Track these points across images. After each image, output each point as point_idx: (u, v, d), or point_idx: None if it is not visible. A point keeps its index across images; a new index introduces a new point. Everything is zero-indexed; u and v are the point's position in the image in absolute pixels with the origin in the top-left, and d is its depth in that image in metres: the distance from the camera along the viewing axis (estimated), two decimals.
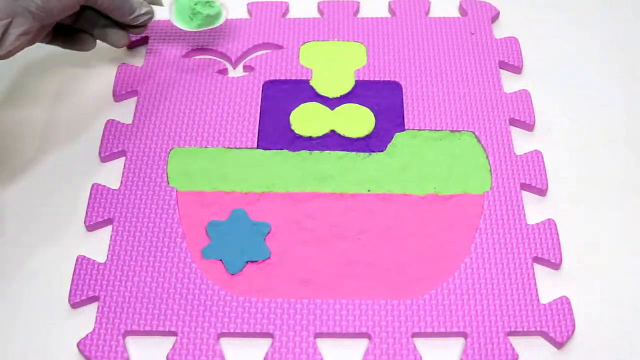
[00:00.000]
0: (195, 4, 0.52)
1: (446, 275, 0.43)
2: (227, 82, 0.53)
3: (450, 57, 0.54)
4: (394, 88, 0.52)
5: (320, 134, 0.50)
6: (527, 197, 0.47)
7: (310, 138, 0.49)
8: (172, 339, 0.41)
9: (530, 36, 0.55)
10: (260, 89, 0.52)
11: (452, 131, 0.50)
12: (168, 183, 0.47)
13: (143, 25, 0.50)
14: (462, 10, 0.57)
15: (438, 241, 0.45)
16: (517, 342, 0.41)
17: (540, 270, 0.44)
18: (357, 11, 0.57)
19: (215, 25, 0.53)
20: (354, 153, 0.49)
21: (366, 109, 0.51)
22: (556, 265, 0.44)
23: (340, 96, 0.52)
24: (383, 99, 0.51)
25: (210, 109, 0.51)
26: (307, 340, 0.41)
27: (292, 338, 0.41)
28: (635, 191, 0.47)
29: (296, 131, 0.50)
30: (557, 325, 0.41)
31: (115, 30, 0.50)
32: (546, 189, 0.47)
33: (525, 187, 0.47)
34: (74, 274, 0.43)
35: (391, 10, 0.57)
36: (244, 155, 0.49)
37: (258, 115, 0.51)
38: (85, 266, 0.44)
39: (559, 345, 0.41)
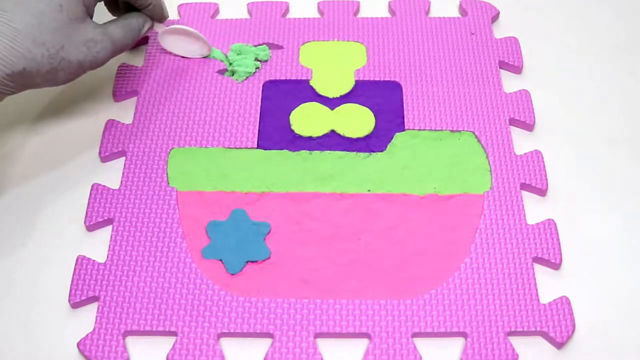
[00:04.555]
0: (230, 62, 0.53)
1: (446, 275, 0.43)
2: (227, 82, 0.53)
3: (450, 57, 0.54)
4: (394, 88, 0.52)
5: (320, 134, 0.50)
6: (527, 197, 0.47)
7: (310, 138, 0.49)
8: (172, 339, 0.41)
9: (530, 36, 0.55)
10: (260, 89, 0.52)
11: (452, 131, 0.50)
12: (168, 183, 0.47)
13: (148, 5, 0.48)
14: (462, 10, 0.57)
15: (438, 241, 0.45)
16: (517, 342, 0.41)
17: (540, 270, 0.44)
18: (357, 11, 0.57)
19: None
20: (354, 153, 0.49)
21: (366, 109, 0.51)
22: (556, 265, 0.44)
23: (340, 96, 0.52)
24: (383, 99, 0.51)
25: (210, 109, 0.51)
26: (307, 340, 0.41)
27: (292, 338, 0.41)
28: (635, 191, 0.47)
29: (296, 131, 0.50)
30: (557, 325, 0.41)
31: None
32: (546, 189, 0.47)
33: (525, 187, 0.47)
34: (74, 274, 0.43)
35: (391, 10, 0.57)
36: (244, 155, 0.49)
37: (258, 115, 0.51)
38: (85, 266, 0.44)
39: (559, 345, 0.41)
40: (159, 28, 0.51)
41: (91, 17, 0.46)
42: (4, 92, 0.42)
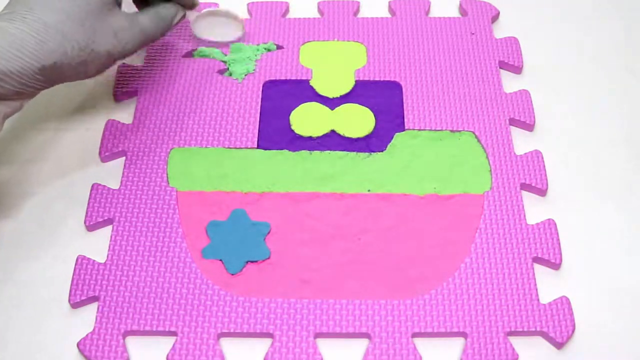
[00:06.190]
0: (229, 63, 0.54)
1: (446, 275, 0.43)
2: (227, 82, 0.53)
3: (450, 57, 0.54)
4: (394, 88, 0.52)
5: (320, 134, 0.50)
6: (527, 197, 0.47)
7: (310, 138, 0.49)
8: (172, 339, 0.41)
9: (530, 36, 0.55)
10: (260, 89, 0.52)
11: (452, 131, 0.50)
12: (168, 183, 0.47)
13: None
14: (462, 10, 0.57)
15: (438, 241, 0.45)
16: (517, 342, 0.41)
17: (540, 270, 0.44)
18: (357, 11, 0.57)
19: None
20: (354, 153, 0.49)
21: (366, 109, 0.51)
22: (556, 265, 0.44)
23: (340, 96, 0.52)
24: (383, 99, 0.51)
25: (210, 109, 0.51)
26: (307, 340, 0.41)
27: (292, 338, 0.41)
28: (635, 191, 0.47)
29: (296, 131, 0.50)
30: (557, 325, 0.41)
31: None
32: (546, 189, 0.47)
33: (525, 187, 0.47)
34: (74, 274, 0.43)
35: (391, 10, 0.57)
36: (244, 155, 0.49)
37: (258, 115, 0.51)
38: (85, 266, 0.44)
39: (559, 345, 0.41)
40: (191, 16, 0.51)
41: (119, 6, 0.46)
42: (36, 87, 0.42)
